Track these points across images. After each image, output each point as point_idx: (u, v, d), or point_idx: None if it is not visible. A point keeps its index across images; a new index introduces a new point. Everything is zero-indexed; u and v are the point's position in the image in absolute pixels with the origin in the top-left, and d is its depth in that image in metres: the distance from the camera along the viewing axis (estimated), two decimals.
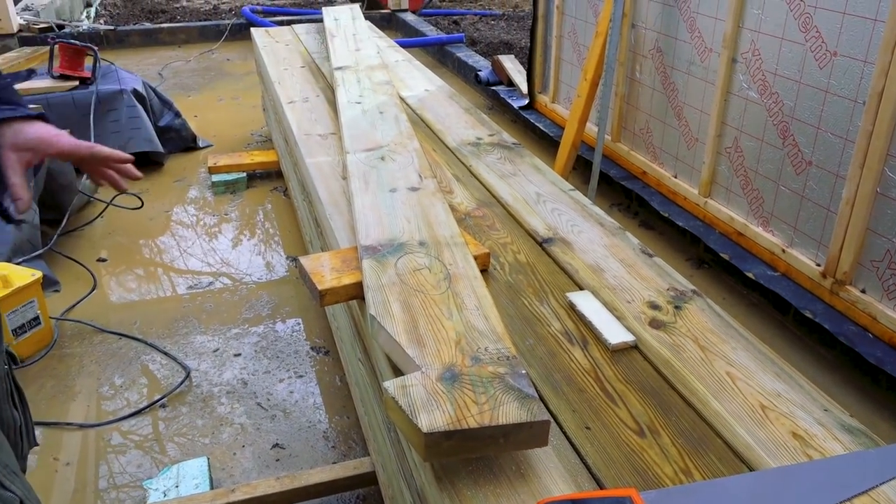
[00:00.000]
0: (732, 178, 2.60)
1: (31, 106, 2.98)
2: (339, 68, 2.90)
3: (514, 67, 4.54)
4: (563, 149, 3.36)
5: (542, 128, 3.85)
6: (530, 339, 1.27)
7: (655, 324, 1.30)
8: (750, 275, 2.42)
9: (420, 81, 2.95)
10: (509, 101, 4.26)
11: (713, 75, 2.62)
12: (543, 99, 4.00)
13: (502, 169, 2.03)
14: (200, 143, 3.96)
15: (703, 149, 2.71)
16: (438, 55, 5.81)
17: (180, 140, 3.87)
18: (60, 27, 5.92)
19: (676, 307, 1.35)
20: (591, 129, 3.37)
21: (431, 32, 6.09)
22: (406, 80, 2.97)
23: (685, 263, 2.76)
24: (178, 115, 3.89)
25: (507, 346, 1.11)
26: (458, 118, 2.49)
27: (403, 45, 5.53)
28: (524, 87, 4.23)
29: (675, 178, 2.93)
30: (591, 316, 1.31)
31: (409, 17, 6.68)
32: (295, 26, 4.02)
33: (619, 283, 1.44)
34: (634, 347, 1.24)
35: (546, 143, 3.82)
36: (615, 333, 1.25)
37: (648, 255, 1.55)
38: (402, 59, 3.27)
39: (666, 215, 2.86)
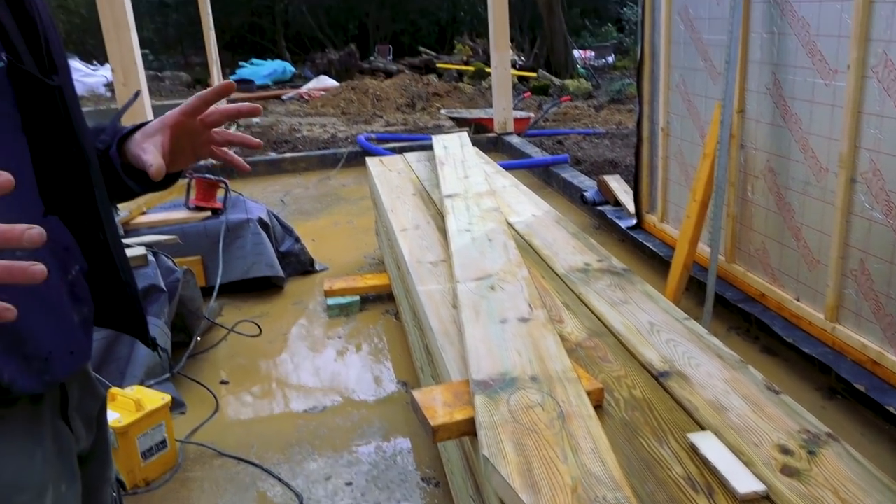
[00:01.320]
0: (862, 303, 2.45)
1: (167, 236, 3.21)
2: (449, 196, 3.02)
3: (619, 187, 4.57)
4: (674, 270, 3.30)
5: (651, 248, 3.81)
6: (650, 485, 1.21)
7: (788, 471, 1.21)
8: (890, 408, 2.23)
9: (527, 206, 3.01)
10: (617, 221, 4.26)
11: (831, 195, 2.54)
12: (652, 219, 3.98)
13: (613, 296, 2.01)
14: (317, 267, 4.16)
15: (826, 271, 2.59)
16: (544, 176, 5.94)
17: (299, 264, 4.09)
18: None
19: (810, 452, 1.26)
20: (703, 249, 3.30)
21: (536, 154, 6.26)
22: (513, 204, 3.04)
23: (815, 393, 2.58)
24: (297, 240, 4.13)
25: (626, 494, 1.07)
26: (566, 243, 2.51)
27: (509, 168, 5.72)
28: (631, 207, 4.23)
29: (798, 301, 2.80)
30: (716, 460, 1.24)
31: (515, 140, 6.92)
32: (406, 155, 4.25)
33: (743, 422, 1.36)
34: (766, 498, 1.15)
35: (656, 262, 3.77)
36: (744, 481, 1.18)
37: (774, 391, 1.46)
38: (509, 185, 3.37)
39: (790, 341, 2.71)
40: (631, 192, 4.34)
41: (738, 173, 3.13)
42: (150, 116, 5.95)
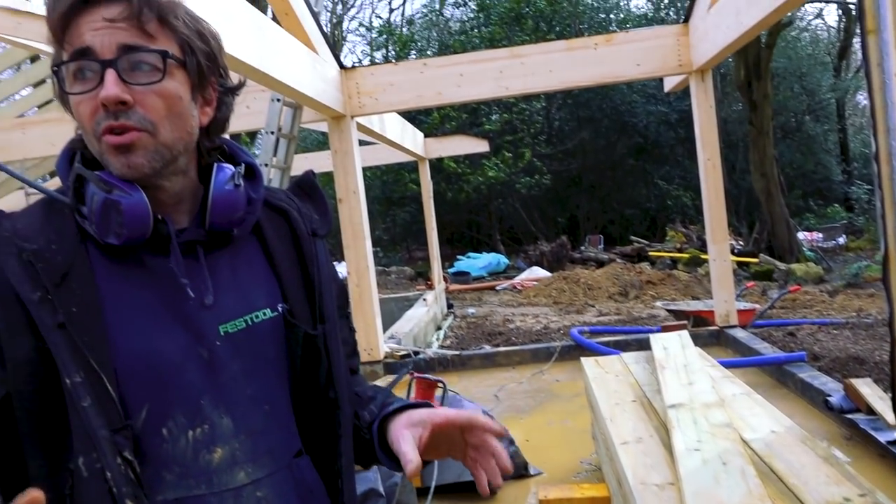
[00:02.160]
0: None
1: None
2: (673, 406, 2.83)
3: (872, 393, 4.02)
4: None
5: None
6: None
7: None
8: None
9: (763, 420, 2.72)
10: (873, 433, 3.71)
11: None
12: None
13: None
14: (532, 471, 4.02)
15: None
16: (776, 374, 5.43)
17: (513, 467, 3.98)
18: (416, 353, 6.83)
19: None
20: None
21: (765, 349, 5.78)
22: (747, 417, 2.76)
23: None
24: (511, 441, 4.05)
25: None
26: (817, 470, 2.19)
27: (736, 366, 5.31)
28: (889, 416, 3.68)
29: None
30: None
31: (740, 334, 6.48)
32: (624, 355, 4.11)
33: None
34: None
35: None
36: None
37: None
38: (741, 393, 3.09)
39: None
40: (888, 399, 3.79)
41: None
42: (376, 308, 6.43)
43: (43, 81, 7.58)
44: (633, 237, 16.20)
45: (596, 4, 20.61)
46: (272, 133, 5.76)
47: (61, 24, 0.94)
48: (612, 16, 20.63)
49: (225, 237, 1.04)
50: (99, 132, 0.93)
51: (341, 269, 14.78)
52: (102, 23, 0.92)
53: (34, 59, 7.53)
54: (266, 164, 5.70)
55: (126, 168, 0.94)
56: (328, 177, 15.08)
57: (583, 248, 15.79)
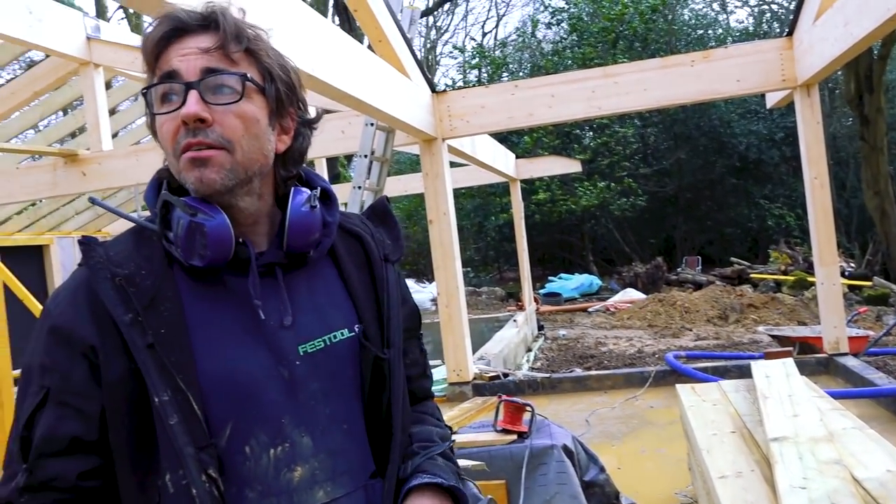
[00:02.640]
0: None
1: (474, 462, 3.28)
2: (776, 440, 2.67)
3: None
4: None
5: None
6: None
7: None
8: None
9: (878, 457, 2.52)
10: None
11: None
12: None
13: None
14: (623, 501, 3.89)
15: None
16: (892, 406, 5.05)
17: (603, 496, 3.86)
18: (505, 375, 6.77)
19: None
20: None
21: (880, 379, 5.40)
22: (859, 454, 2.57)
23: None
24: (602, 469, 3.93)
25: None
26: None
27: (846, 397, 4.98)
28: None
29: None
30: None
31: (851, 362, 6.08)
32: (722, 383, 3.93)
33: None
34: None
35: None
36: None
37: None
38: (852, 427, 2.89)
39: None
40: None
41: None
42: (465, 329, 6.44)
43: None
44: (733, 258, 15.55)
45: (694, 21, 20.10)
46: (366, 156, 5.90)
47: (154, 51, 1.01)
48: (710, 32, 20.06)
49: (302, 259, 1.07)
50: (179, 150, 0.99)
51: (431, 289, 14.97)
52: (190, 49, 0.99)
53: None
54: (359, 187, 5.84)
55: (199, 182, 0.98)
56: (420, 198, 15.36)
57: (679, 269, 15.29)
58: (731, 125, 17.64)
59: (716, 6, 22.07)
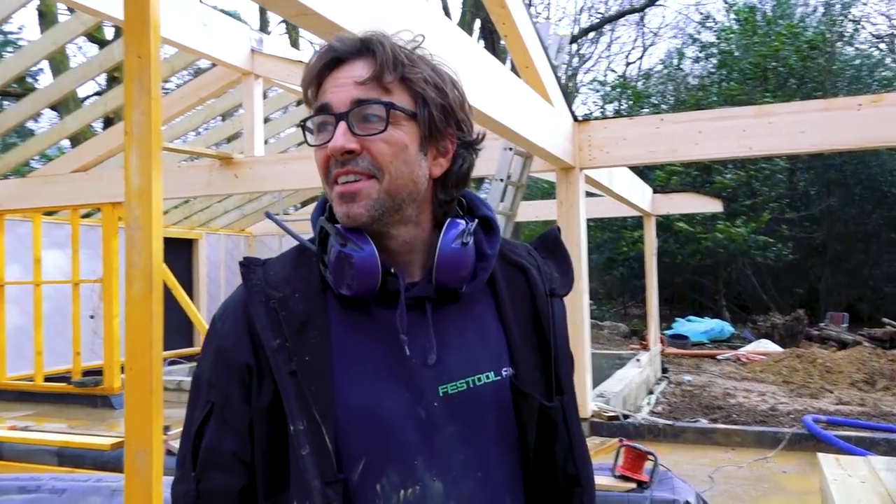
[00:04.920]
0: None
1: None
2: None
3: None
4: None
5: None
6: None
7: None
8: None
9: None
10: None
11: None
12: None
13: None
14: None
15: None
16: None
17: None
18: (626, 416, 6.51)
19: None
20: None
21: None
22: None
23: None
24: None
25: None
26: None
27: None
28: None
29: None
30: None
31: None
32: (872, 458, 3.57)
33: None
34: None
35: None
36: None
37: None
38: None
39: None
40: None
41: None
42: (587, 363, 6.24)
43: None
44: (885, 319, 14.26)
45: (858, 61, 18.79)
46: (501, 180, 5.89)
47: (314, 83, 1.01)
48: (875, 73, 18.65)
49: (454, 294, 1.03)
50: (330, 180, 1.00)
51: None
52: (344, 80, 0.99)
53: (300, 102, 8.46)
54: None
55: (346, 217, 0.98)
56: (545, 225, 15.15)
57: (822, 324, 14.18)
58: (894, 174, 16.28)
59: (883, 46, 20.54)
